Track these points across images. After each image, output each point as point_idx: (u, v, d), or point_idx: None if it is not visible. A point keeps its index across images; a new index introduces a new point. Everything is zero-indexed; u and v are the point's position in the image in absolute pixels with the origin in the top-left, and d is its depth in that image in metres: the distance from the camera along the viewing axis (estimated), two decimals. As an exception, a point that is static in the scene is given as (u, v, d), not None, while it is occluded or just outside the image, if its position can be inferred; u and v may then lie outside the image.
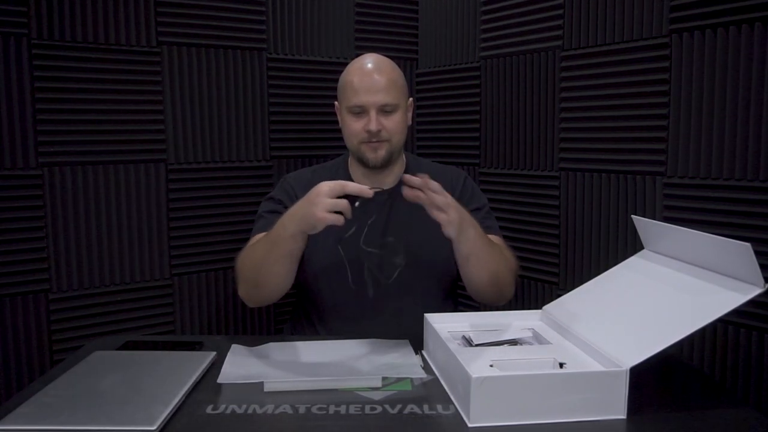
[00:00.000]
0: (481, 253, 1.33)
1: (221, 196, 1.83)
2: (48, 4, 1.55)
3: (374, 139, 1.41)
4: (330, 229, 1.45)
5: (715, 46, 1.34)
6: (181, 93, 1.74)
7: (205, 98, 1.78)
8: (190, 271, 1.80)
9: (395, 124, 1.43)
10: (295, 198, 1.49)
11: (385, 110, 1.42)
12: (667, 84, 1.43)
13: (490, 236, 1.47)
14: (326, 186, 1.15)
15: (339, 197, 1.14)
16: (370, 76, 1.42)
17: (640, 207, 1.50)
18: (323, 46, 1.96)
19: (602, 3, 1.55)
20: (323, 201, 1.13)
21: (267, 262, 1.30)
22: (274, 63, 1.88)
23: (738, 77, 1.30)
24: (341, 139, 2.00)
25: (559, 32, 1.66)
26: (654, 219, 1.42)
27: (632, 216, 1.28)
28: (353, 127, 1.43)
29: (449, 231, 1.23)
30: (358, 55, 2.00)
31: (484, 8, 1.87)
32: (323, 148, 1.96)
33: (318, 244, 1.46)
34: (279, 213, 1.46)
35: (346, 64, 2.05)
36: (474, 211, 1.51)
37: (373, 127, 1.40)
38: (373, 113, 1.40)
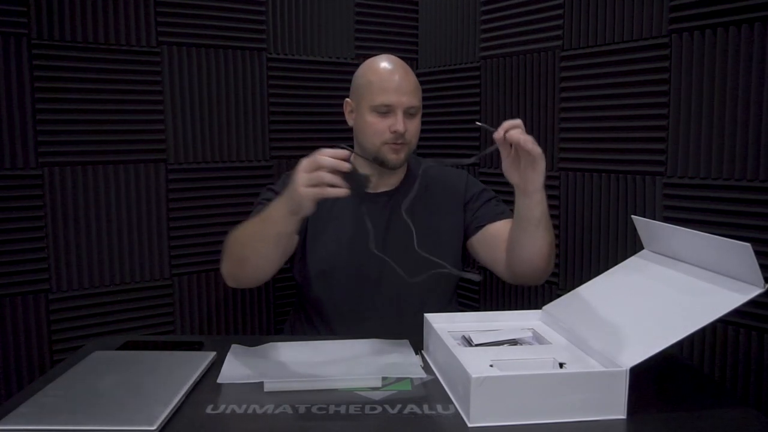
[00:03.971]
0: (545, 219, 1.28)
1: (221, 196, 1.83)
2: (48, 4, 1.55)
3: (399, 141, 1.40)
4: (335, 229, 1.45)
5: (715, 46, 1.34)
6: (181, 93, 1.74)
7: (205, 98, 1.78)
8: (190, 271, 1.80)
9: (416, 128, 1.44)
10: None
11: (409, 113, 1.41)
12: (667, 84, 1.43)
13: (509, 220, 1.46)
14: (303, 161, 1.11)
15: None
16: (399, 77, 1.41)
17: (640, 207, 1.50)
18: (323, 46, 1.96)
19: (602, 3, 1.55)
20: (301, 177, 1.10)
21: (254, 239, 1.27)
22: (274, 63, 1.88)
23: (738, 77, 1.30)
24: (342, 139, 1.99)
25: (559, 32, 1.66)
26: (654, 219, 1.42)
27: (632, 216, 1.28)
28: (377, 127, 1.41)
29: (536, 183, 1.20)
30: (358, 55, 2.02)
31: (484, 8, 1.87)
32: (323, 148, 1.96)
33: (318, 243, 1.46)
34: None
35: (346, 64, 2.05)
36: (488, 201, 1.51)
37: (401, 128, 1.38)
38: (400, 114, 1.39)
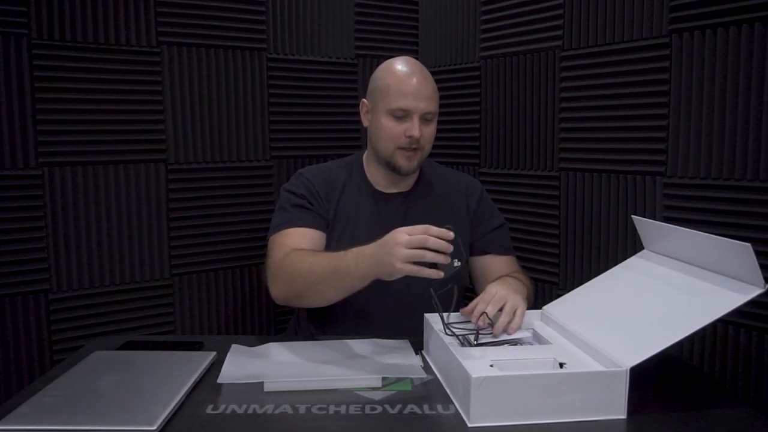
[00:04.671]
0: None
1: (221, 196, 1.83)
2: (48, 4, 1.55)
3: (413, 146, 1.39)
4: (353, 230, 1.43)
5: (715, 46, 1.34)
6: (181, 93, 1.74)
7: (205, 98, 1.78)
8: (190, 271, 1.80)
9: (431, 134, 1.43)
10: (317, 194, 1.44)
11: (426, 118, 1.40)
12: (667, 84, 1.43)
13: (510, 257, 1.49)
14: (404, 236, 1.06)
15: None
16: (417, 82, 1.39)
17: (640, 207, 1.50)
18: (323, 46, 1.96)
19: (602, 3, 1.55)
20: (401, 252, 1.05)
21: (323, 286, 1.23)
22: (274, 63, 1.88)
23: (738, 77, 1.30)
24: (342, 139, 2.00)
25: (559, 32, 1.66)
26: (654, 219, 1.42)
27: (632, 216, 1.28)
28: (393, 131, 1.39)
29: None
30: (358, 55, 2.02)
31: (484, 8, 1.87)
32: (323, 148, 1.96)
33: (337, 243, 1.43)
34: (305, 208, 1.42)
35: (346, 64, 2.05)
36: (496, 230, 1.51)
37: (416, 133, 1.37)
38: (416, 119, 1.38)
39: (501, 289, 1.24)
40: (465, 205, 1.52)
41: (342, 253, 1.19)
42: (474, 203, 1.52)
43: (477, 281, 1.52)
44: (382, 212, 1.46)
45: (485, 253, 1.50)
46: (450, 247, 1.04)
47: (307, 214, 1.42)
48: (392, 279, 1.09)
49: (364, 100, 1.48)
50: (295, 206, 1.43)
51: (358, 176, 1.50)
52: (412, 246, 1.05)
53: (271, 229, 1.43)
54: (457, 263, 1.06)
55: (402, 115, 1.38)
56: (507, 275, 1.39)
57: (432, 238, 1.04)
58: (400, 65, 1.43)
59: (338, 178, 1.49)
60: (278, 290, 1.32)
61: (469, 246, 1.51)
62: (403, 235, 1.06)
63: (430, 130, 1.42)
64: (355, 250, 1.16)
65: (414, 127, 1.37)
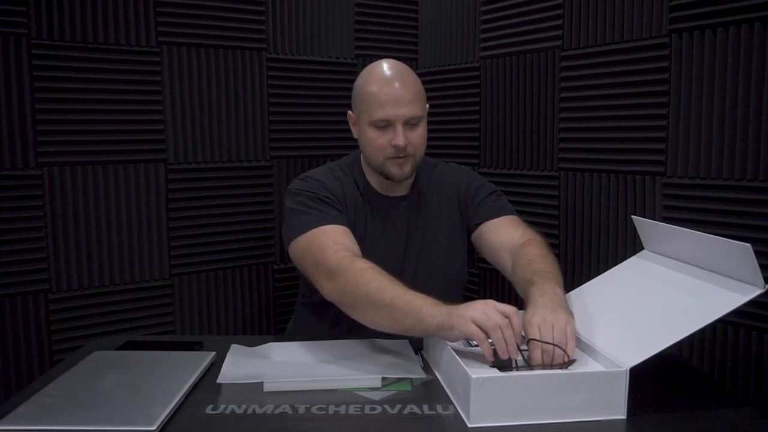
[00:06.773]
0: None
1: (221, 196, 1.83)
2: (48, 4, 1.55)
3: (401, 155, 1.36)
4: (367, 235, 1.42)
5: (715, 46, 1.34)
6: (181, 93, 1.74)
7: (205, 98, 1.78)
8: (190, 271, 1.80)
9: (419, 138, 1.38)
10: (340, 198, 1.40)
11: (411, 123, 1.36)
12: (667, 84, 1.43)
13: (507, 217, 1.45)
14: (490, 307, 1.04)
15: None
16: (396, 88, 1.35)
17: (640, 207, 1.50)
18: (323, 46, 1.96)
19: (602, 3, 1.55)
20: (477, 315, 1.03)
21: (388, 317, 1.14)
22: (274, 63, 1.88)
23: (738, 77, 1.31)
24: (341, 139, 1.99)
25: (559, 32, 1.66)
26: (654, 219, 1.42)
27: (632, 216, 1.28)
28: (378, 142, 1.36)
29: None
30: (358, 55, 2.01)
31: (484, 8, 1.87)
32: (323, 148, 1.97)
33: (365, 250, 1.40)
34: (335, 207, 1.36)
35: (346, 64, 2.05)
36: (488, 197, 1.49)
37: (401, 142, 1.34)
38: (399, 127, 1.34)
39: (540, 317, 1.09)
40: (456, 192, 1.50)
41: (420, 295, 1.13)
42: (463, 191, 1.50)
43: (489, 253, 1.46)
44: (390, 217, 1.45)
45: (480, 223, 1.46)
46: (513, 355, 1.01)
47: (340, 213, 1.37)
48: (450, 333, 1.06)
49: (349, 112, 1.45)
50: (325, 204, 1.37)
51: (361, 181, 1.47)
52: (490, 317, 1.02)
53: (295, 229, 1.34)
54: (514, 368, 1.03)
55: (385, 125, 1.36)
56: (532, 279, 1.24)
57: (509, 330, 1.02)
58: (376, 71, 1.39)
59: (346, 183, 1.46)
60: (333, 292, 1.24)
61: (466, 227, 1.50)
62: (490, 305, 1.04)
63: (417, 134, 1.38)
64: (434, 300, 1.11)
65: (398, 136, 1.34)
